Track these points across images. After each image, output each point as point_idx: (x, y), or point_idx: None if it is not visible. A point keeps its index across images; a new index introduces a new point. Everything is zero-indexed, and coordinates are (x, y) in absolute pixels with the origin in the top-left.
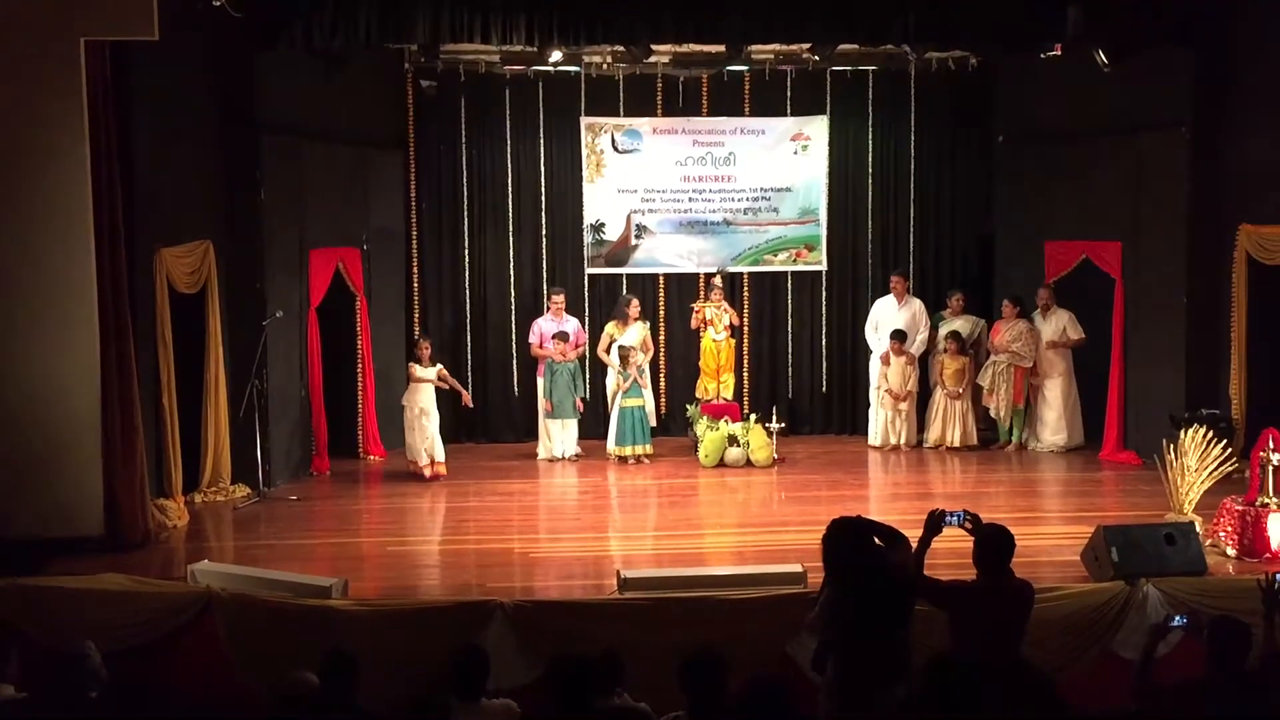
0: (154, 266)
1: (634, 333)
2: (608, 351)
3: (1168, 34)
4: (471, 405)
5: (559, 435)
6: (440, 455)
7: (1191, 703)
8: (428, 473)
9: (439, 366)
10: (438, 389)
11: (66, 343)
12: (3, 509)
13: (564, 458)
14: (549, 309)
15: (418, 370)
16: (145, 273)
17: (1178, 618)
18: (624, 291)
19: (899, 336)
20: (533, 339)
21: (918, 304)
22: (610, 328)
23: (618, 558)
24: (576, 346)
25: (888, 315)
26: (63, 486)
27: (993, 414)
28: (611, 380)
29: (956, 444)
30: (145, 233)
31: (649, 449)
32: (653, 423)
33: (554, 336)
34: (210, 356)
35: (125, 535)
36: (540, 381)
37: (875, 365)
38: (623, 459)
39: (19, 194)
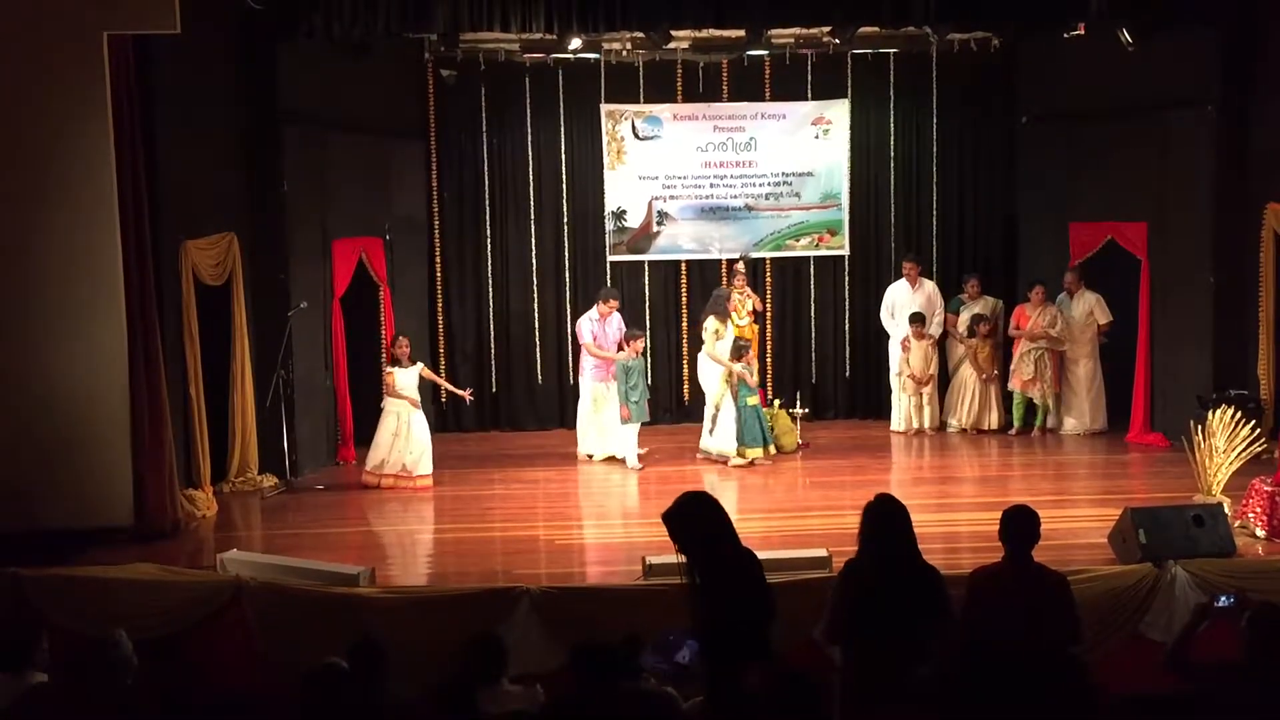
0: (179, 259)
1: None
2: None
3: (1192, 12)
4: (473, 399)
5: (633, 439)
6: (429, 467)
7: (1226, 684)
8: (395, 484)
9: (420, 365)
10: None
11: (94, 335)
12: (34, 500)
13: (638, 467)
14: (598, 310)
15: (399, 376)
16: (171, 265)
17: (1223, 597)
18: (644, 278)
19: (919, 320)
20: (587, 339)
21: (931, 286)
22: (714, 323)
23: (644, 544)
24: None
25: (902, 300)
26: (92, 477)
27: (1036, 400)
28: (718, 379)
29: (987, 426)
30: (170, 225)
31: (772, 450)
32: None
33: (627, 336)
34: (236, 347)
35: (154, 525)
36: (610, 385)
37: (895, 350)
38: (750, 462)
39: (45, 188)
